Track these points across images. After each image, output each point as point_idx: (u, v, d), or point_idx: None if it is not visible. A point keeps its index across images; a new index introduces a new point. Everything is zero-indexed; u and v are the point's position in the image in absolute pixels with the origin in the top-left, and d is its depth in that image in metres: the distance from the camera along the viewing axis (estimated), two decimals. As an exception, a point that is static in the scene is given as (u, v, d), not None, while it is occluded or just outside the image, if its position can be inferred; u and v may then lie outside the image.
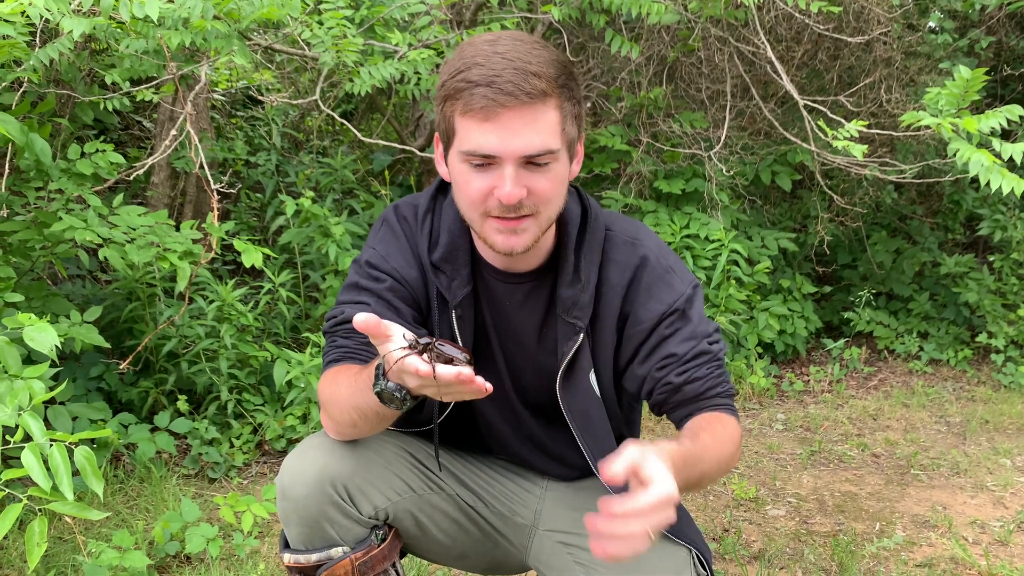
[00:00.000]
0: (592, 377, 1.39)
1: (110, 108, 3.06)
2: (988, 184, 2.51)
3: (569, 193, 1.36)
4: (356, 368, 1.27)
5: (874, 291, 4.85)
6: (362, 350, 1.33)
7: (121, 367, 2.85)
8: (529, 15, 3.54)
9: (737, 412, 1.40)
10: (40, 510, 1.61)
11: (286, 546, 1.38)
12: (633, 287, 1.37)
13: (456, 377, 1.03)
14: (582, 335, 1.35)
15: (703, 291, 4.12)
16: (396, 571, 1.44)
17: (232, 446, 3.03)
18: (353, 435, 1.33)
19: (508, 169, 1.19)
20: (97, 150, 2.92)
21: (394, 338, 1.07)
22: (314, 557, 1.34)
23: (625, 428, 1.53)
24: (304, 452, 1.34)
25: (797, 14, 3.66)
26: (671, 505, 1.03)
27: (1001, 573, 2.32)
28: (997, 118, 2.52)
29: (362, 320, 1.04)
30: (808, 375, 4.35)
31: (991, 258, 4.70)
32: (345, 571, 1.33)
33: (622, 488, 1.41)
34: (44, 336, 1.80)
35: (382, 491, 1.36)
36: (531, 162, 1.20)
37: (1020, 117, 2.54)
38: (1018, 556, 2.49)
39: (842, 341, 4.56)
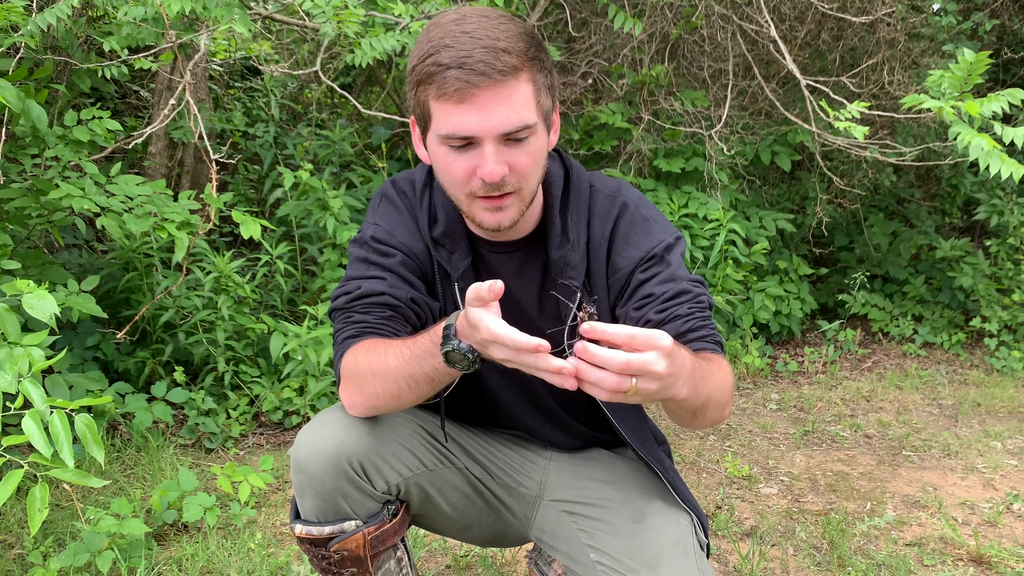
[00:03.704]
0: None
1: (107, 76, 3.03)
2: (987, 169, 2.50)
3: (550, 157, 1.37)
4: (394, 341, 1.26)
5: (870, 274, 4.87)
6: (383, 324, 1.32)
7: (118, 337, 2.85)
8: (532, -11, 3.51)
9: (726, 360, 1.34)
10: (41, 476, 1.62)
11: (297, 517, 1.38)
12: (613, 236, 1.38)
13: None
14: (579, 294, 1.36)
15: (688, 254, 4.06)
16: (404, 545, 1.46)
17: (229, 417, 3.04)
18: (389, 408, 1.31)
19: (488, 148, 1.20)
20: (94, 117, 2.90)
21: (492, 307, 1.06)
22: (327, 530, 1.34)
23: None
24: (321, 427, 1.34)
25: (801, -7, 3.64)
26: (656, 347, 0.96)
27: (989, 553, 2.35)
28: (999, 102, 2.51)
29: (500, 286, 1.02)
30: (803, 356, 4.37)
31: (987, 243, 4.72)
32: (357, 545, 1.35)
33: (655, 463, 1.42)
34: (43, 304, 1.80)
35: (396, 467, 1.37)
36: (510, 138, 1.21)
37: (1022, 101, 2.53)
38: (1006, 537, 2.52)
39: (837, 323, 4.58)
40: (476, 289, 1.04)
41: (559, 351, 1.05)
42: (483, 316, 1.04)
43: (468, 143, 1.21)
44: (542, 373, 1.00)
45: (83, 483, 1.57)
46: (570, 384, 0.98)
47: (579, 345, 0.97)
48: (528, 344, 0.99)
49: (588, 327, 0.97)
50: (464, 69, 1.15)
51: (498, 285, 1.03)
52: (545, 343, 0.99)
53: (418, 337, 1.20)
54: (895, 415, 3.65)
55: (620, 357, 0.95)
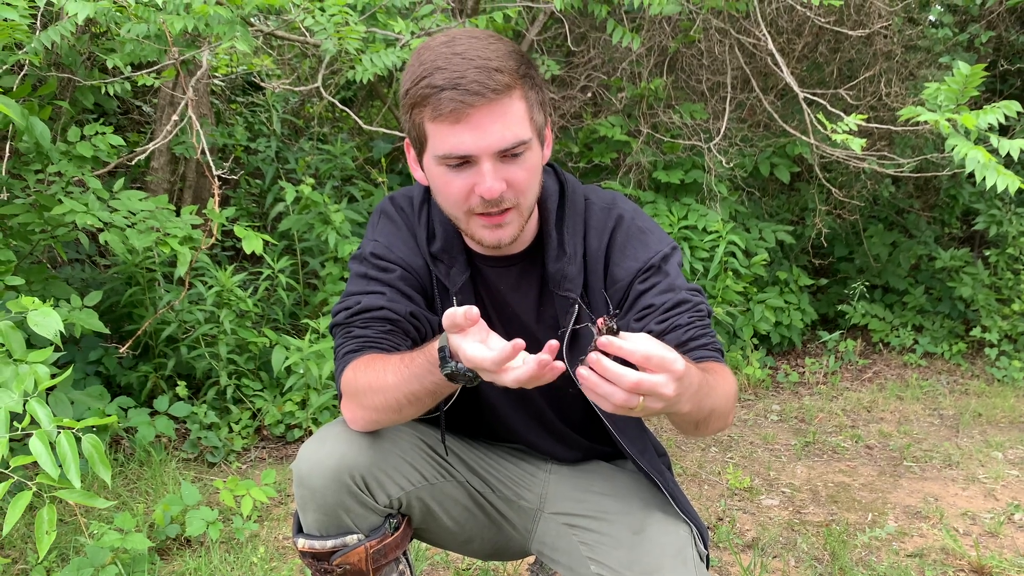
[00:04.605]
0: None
1: (110, 92, 3.05)
2: (984, 180, 2.52)
3: (545, 171, 1.39)
4: (392, 356, 1.28)
5: (870, 284, 4.88)
6: (382, 338, 1.34)
7: (121, 351, 2.86)
8: (531, 3, 3.53)
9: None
10: (47, 497, 1.62)
11: (299, 531, 1.39)
12: (610, 248, 1.40)
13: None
14: (577, 306, 1.38)
15: (688, 266, 4.06)
16: (406, 558, 1.47)
17: (231, 431, 3.05)
18: (390, 422, 1.33)
19: (486, 165, 1.22)
20: (97, 133, 2.92)
21: (472, 331, 1.08)
22: (329, 544, 1.36)
23: None
24: (323, 442, 1.35)
25: (798, 6, 3.67)
26: (668, 371, 0.97)
27: (990, 564, 2.35)
28: (995, 114, 2.53)
29: (476, 313, 1.04)
30: (803, 367, 4.38)
31: (986, 253, 4.73)
32: (359, 558, 1.36)
33: (655, 474, 1.43)
34: (48, 321, 1.81)
35: (397, 481, 1.38)
36: (506, 155, 1.23)
37: (1018, 112, 2.55)
38: (1007, 547, 2.52)
39: (837, 333, 4.59)
40: (451, 316, 1.05)
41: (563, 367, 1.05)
42: (460, 344, 1.07)
43: (465, 162, 1.23)
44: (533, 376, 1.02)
45: (89, 503, 1.58)
46: (558, 367, 1.00)
47: (592, 356, 0.98)
48: (504, 355, 1.01)
49: (605, 341, 0.97)
50: (458, 90, 1.18)
51: (473, 311, 1.04)
52: (520, 341, 1.01)
53: (414, 355, 1.22)
54: (896, 425, 3.66)
55: (632, 376, 0.97)
